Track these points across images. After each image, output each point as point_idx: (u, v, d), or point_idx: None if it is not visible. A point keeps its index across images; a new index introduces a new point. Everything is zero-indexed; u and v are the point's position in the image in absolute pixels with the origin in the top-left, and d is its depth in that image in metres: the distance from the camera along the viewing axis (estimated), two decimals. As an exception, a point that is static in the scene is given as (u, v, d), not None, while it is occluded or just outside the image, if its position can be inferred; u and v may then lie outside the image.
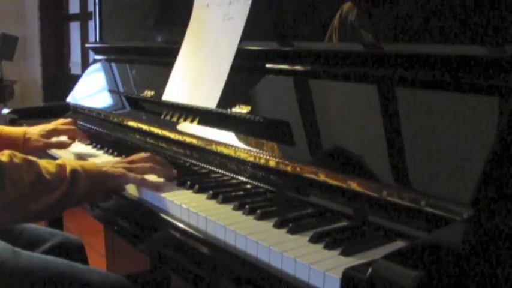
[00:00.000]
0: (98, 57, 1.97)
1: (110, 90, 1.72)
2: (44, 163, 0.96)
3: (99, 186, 1.00)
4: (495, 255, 0.60)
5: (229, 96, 1.16)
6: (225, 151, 1.12)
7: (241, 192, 0.98)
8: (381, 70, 0.91)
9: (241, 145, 1.08)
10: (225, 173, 1.10)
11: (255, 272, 0.73)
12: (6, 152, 0.93)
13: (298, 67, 1.07)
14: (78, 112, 1.87)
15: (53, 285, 1.03)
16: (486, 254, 0.59)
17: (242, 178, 1.06)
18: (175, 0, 1.59)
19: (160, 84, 1.39)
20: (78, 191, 0.96)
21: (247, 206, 0.87)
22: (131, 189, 1.06)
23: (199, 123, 1.24)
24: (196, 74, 1.28)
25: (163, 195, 0.96)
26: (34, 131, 1.39)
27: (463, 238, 0.65)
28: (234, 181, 1.06)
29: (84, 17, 4.28)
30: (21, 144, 1.33)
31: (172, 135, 1.31)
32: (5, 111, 1.86)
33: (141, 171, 1.04)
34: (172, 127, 1.31)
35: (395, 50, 0.90)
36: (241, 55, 1.16)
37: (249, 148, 1.06)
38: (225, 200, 0.92)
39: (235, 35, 1.18)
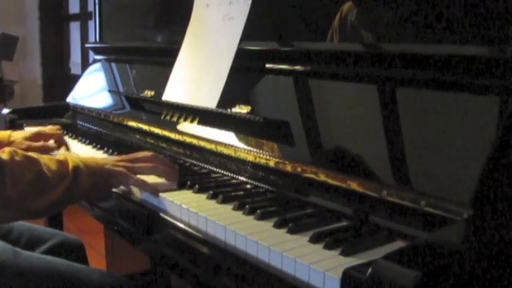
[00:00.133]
0: (98, 57, 1.97)
1: (110, 90, 1.72)
2: (45, 160, 0.95)
3: (100, 183, 1.00)
4: (495, 255, 0.60)
5: (229, 96, 1.16)
6: (225, 151, 1.12)
7: (241, 192, 0.98)
8: (381, 70, 0.91)
9: (241, 145, 1.08)
10: (225, 173, 1.10)
11: (255, 272, 0.73)
12: (7, 149, 0.93)
13: (298, 67, 1.07)
14: (78, 112, 1.87)
15: (53, 285, 1.03)
16: (486, 254, 0.59)
17: (242, 178, 1.06)
18: (175, 0, 1.59)
19: (160, 84, 1.39)
20: (80, 187, 0.96)
21: (247, 206, 0.87)
22: (132, 190, 1.05)
23: (199, 123, 1.24)
24: (196, 74, 1.28)
25: (164, 195, 0.96)
26: (19, 134, 1.39)
27: (463, 238, 0.65)
28: (234, 181, 1.06)
29: (84, 17, 4.28)
30: (4, 147, 1.32)
31: (172, 135, 1.31)
32: (5, 111, 1.86)
33: (143, 171, 1.03)
34: (172, 127, 1.31)
35: (396, 50, 0.90)
36: (241, 55, 1.16)
37: (249, 148, 1.06)
38: (225, 200, 0.92)
39: (235, 35, 1.18)
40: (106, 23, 2.01)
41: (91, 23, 3.59)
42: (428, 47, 0.86)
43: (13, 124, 1.81)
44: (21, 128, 1.77)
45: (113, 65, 1.81)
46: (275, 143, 1.02)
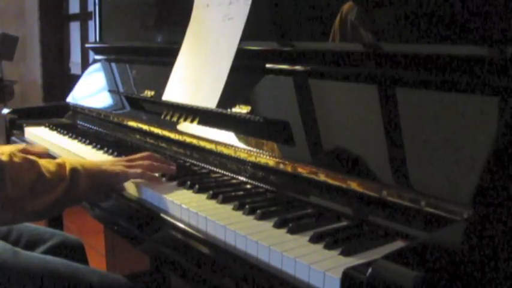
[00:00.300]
0: (98, 57, 1.97)
1: (110, 90, 1.72)
2: (44, 162, 0.96)
3: (99, 185, 1.01)
4: (495, 255, 0.60)
5: (229, 96, 1.16)
6: (225, 151, 1.12)
7: (241, 192, 0.98)
8: (381, 70, 0.91)
9: (241, 145, 1.08)
10: (225, 173, 1.10)
11: (255, 272, 0.73)
12: (6, 151, 0.94)
13: (298, 67, 1.07)
14: (78, 112, 1.87)
15: (53, 285, 1.03)
16: (486, 254, 0.59)
17: (242, 178, 1.06)
18: (175, 0, 1.59)
19: (160, 84, 1.39)
20: (79, 189, 0.97)
21: (247, 206, 0.87)
22: (131, 189, 1.06)
23: (199, 123, 1.24)
24: (196, 74, 1.28)
25: (163, 195, 0.96)
26: (4, 149, 1.39)
27: (463, 238, 0.65)
28: (234, 181, 1.06)
29: (84, 17, 4.28)
30: None
31: (172, 135, 1.31)
32: (5, 111, 1.86)
33: (140, 168, 1.04)
34: (172, 127, 1.31)
35: (396, 50, 0.90)
36: (241, 55, 1.16)
37: (249, 148, 1.06)
38: (225, 200, 0.92)
39: (235, 35, 1.18)
40: (106, 23, 2.01)
41: (91, 23, 3.59)
42: (428, 47, 0.86)
43: (13, 124, 1.81)
44: (21, 128, 1.77)
45: (113, 65, 1.81)
46: (275, 143, 1.02)
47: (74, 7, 4.54)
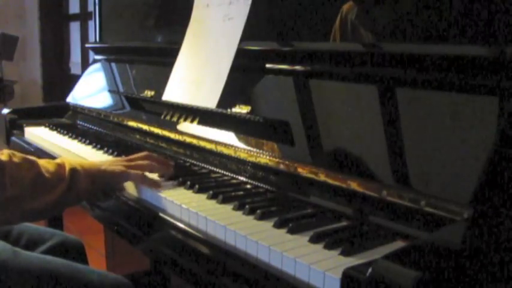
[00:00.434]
0: (98, 57, 1.97)
1: (110, 90, 1.72)
2: (43, 162, 0.96)
3: (99, 185, 1.01)
4: (495, 255, 0.60)
5: (229, 96, 1.16)
6: (225, 151, 1.12)
7: (241, 192, 0.98)
8: (381, 70, 0.91)
9: (241, 145, 1.08)
10: (225, 173, 1.10)
11: (255, 272, 0.73)
12: (6, 151, 0.94)
13: (298, 67, 1.07)
14: (78, 112, 1.87)
15: (53, 285, 1.03)
16: (486, 254, 0.59)
17: (242, 178, 1.06)
18: (175, 0, 1.59)
19: (160, 84, 1.39)
20: (78, 189, 0.97)
21: (247, 206, 0.87)
22: (131, 190, 1.06)
23: (199, 123, 1.24)
24: (196, 74, 1.28)
25: (164, 195, 0.96)
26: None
27: (463, 238, 0.65)
28: (234, 181, 1.06)
29: (84, 17, 4.28)
30: None
31: (172, 135, 1.31)
32: (5, 111, 1.86)
33: (139, 168, 1.04)
34: (172, 127, 1.31)
35: (396, 50, 0.90)
36: (241, 55, 1.16)
37: (249, 148, 1.06)
38: (225, 200, 0.92)
39: (235, 35, 1.18)
40: (106, 23, 2.01)
41: (91, 23, 3.59)
42: (428, 47, 0.86)
43: (13, 124, 1.81)
44: (21, 128, 1.77)
45: (113, 65, 1.81)
46: (275, 143, 1.02)
47: (74, 7, 4.54)
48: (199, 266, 0.82)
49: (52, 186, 0.94)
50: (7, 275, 1.00)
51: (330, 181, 0.88)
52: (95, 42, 2.05)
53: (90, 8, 3.85)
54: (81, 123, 1.82)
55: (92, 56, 2.07)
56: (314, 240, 0.74)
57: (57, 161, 1.00)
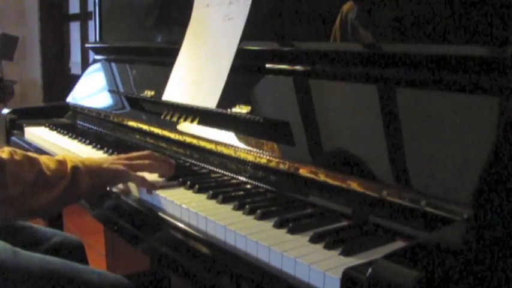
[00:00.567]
0: (98, 57, 1.97)
1: (110, 90, 1.72)
2: (44, 159, 0.96)
3: (99, 183, 1.00)
4: (495, 255, 0.60)
5: (229, 96, 1.16)
6: (225, 151, 1.12)
7: (241, 192, 0.98)
8: (381, 70, 0.91)
9: (241, 145, 1.08)
10: (225, 173, 1.10)
11: (255, 272, 0.73)
12: (7, 148, 0.93)
13: (298, 67, 1.07)
14: (78, 112, 1.87)
15: (52, 285, 1.03)
16: (486, 254, 0.59)
17: (242, 178, 1.06)
18: (175, 0, 1.59)
19: (160, 84, 1.39)
20: (79, 187, 0.96)
21: (247, 206, 0.87)
22: (131, 189, 1.06)
23: (199, 123, 1.24)
24: (196, 74, 1.28)
25: (164, 195, 0.96)
26: None
27: (463, 238, 0.65)
28: (234, 181, 1.06)
29: (84, 17, 4.29)
30: None
31: (172, 135, 1.31)
32: (5, 111, 1.86)
33: (140, 168, 1.04)
34: (172, 127, 1.31)
35: (396, 50, 0.90)
36: (241, 55, 1.16)
37: (249, 148, 1.06)
38: (225, 200, 0.92)
39: (235, 35, 1.18)
40: (106, 23, 2.01)
41: (91, 23, 3.59)
42: (428, 47, 0.86)
43: (13, 124, 1.81)
44: (21, 128, 1.77)
45: (113, 65, 1.81)
46: (275, 143, 1.02)
47: (74, 7, 4.54)
48: (199, 266, 0.82)
49: (53, 183, 0.93)
50: (7, 275, 1.00)
51: (330, 181, 0.88)
52: (95, 42, 2.05)
53: (90, 8, 3.85)
54: (81, 123, 1.82)
55: (92, 56, 2.07)
56: (314, 240, 0.74)
57: (59, 157, 0.99)
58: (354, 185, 0.84)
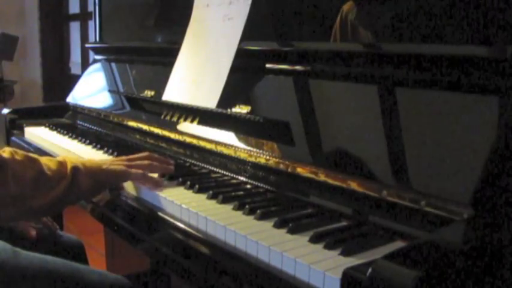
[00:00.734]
0: (98, 57, 1.97)
1: (110, 90, 1.72)
2: (45, 160, 0.97)
3: (100, 183, 1.01)
4: (495, 255, 0.60)
5: (229, 96, 1.16)
6: (225, 151, 1.12)
7: (241, 192, 0.98)
8: (381, 70, 0.91)
9: (241, 145, 1.08)
10: (225, 173, 1.10)
11: (255, 272, 0.73)
12: (7, 149, 0.94)
13: (298, 67, 1.07)
14: (78, 112, 1.87)
15: (52, 285, 1.03)
16: (486, 254, 0.59)
17: (242, 178, 1.06)
18: (175, 0, 1.59)
19: (160, 84, 1.39)
20: (79, 187, 0.97)
21: (247, 206, 0.87)
22: (131, 189, 1.06)
23: (199, 123, 1.24)
24: (196, 74, 1.28)
25: (164, 195, 0.96)
26: None
27: (463, 238, 0.65)
28: (234, 181, 1.06)
29: (84, 17, 4.29)
30: None
31: (172, 135, 1.31)
32: (5, 111, 1.86)
33: (140, 168, 1.04)
34: (172, 127, 1.31)
35: (396, 50, 0.90)
36: (241, 55, 1.16)
37: (249, 148, 1.06)
38: (225, 200, 0.92)
39: (235, 35, 1.18)
40: (106, 23, 2.01)
41: (91, 23, 3.59)
42: (428, 47, 0.86)
43: (13, 124, 1.81)
44: (21, 128, 1.77)
45: (113, 65, 1.81)
46: (275, 143, 1.02)
47: (74, 7, 4.54)
48: (199, 266, 0.82)
49: (54, 184, 0.94)
50: (7, 275, 1.00)
51: (330, 181, 0.88)
52: (95, 42, 2.05)
53: (90, 8, 3.85)
54: (81, 123, 1.82)
55: (92, 56, 2.07)
56: (314, 240, 0.74)
57: (59, 158, 0.99)
58: (354, 185, 0.84)
